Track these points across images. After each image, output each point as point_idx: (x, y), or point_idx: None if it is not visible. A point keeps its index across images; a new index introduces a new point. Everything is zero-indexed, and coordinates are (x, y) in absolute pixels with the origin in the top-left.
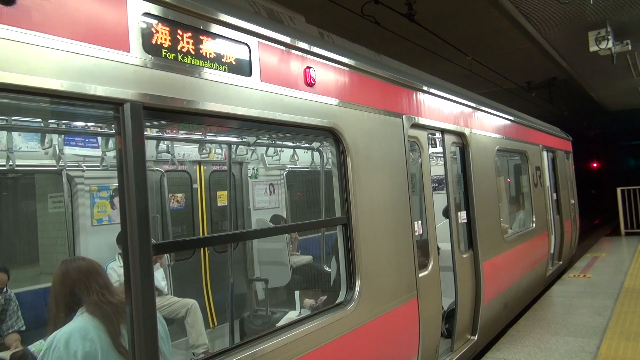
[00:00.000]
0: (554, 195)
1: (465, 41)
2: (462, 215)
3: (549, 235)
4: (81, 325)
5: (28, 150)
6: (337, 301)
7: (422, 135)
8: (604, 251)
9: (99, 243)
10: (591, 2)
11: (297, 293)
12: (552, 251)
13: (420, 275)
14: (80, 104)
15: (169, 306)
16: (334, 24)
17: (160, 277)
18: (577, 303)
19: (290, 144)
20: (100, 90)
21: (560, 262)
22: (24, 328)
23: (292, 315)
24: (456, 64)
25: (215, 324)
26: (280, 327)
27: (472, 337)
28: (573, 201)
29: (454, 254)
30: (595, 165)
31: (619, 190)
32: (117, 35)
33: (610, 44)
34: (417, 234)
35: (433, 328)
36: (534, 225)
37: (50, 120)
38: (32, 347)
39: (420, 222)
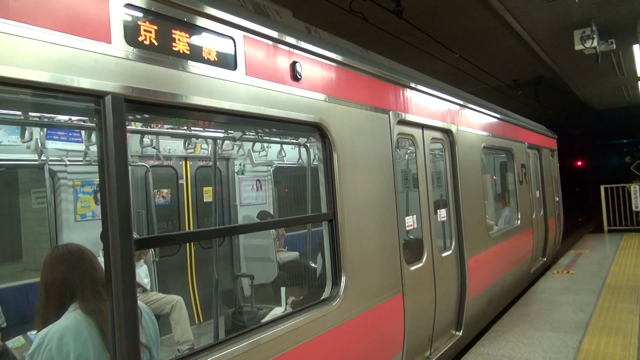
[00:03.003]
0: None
1: (453, 39)
2: (442, 214)
3: (533, 232)
4: (74, 324)
5: (9, 144)
6: (323, 297)
7: (416, 133)
8: (587, 248)
9: (83, 239)
10: (576, 0)
11: (283, 289)
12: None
13: (410, 269)
14: (60, 96)
15: (153, 302)
16: (321, 20)
17: (143, 274)
18: (561, 299)
19: (277, 139)
20: (80, 82)
21: (545, 259)
22: (4, 325)
23: (277, 311)
24: (444, 61)
25: (201, 320)
26: (266, 322)
27: (457, 333)
28: (557, 198)
29: (433, 253)
30: (579, 163)
31: (602, 188)
32: (98, 26)
33: (595, 43)
34: (410, 228)
35: (421, 323)
36: (519, 222)
37: (31, 113)
38: (10, 343)
39: (414, 217)
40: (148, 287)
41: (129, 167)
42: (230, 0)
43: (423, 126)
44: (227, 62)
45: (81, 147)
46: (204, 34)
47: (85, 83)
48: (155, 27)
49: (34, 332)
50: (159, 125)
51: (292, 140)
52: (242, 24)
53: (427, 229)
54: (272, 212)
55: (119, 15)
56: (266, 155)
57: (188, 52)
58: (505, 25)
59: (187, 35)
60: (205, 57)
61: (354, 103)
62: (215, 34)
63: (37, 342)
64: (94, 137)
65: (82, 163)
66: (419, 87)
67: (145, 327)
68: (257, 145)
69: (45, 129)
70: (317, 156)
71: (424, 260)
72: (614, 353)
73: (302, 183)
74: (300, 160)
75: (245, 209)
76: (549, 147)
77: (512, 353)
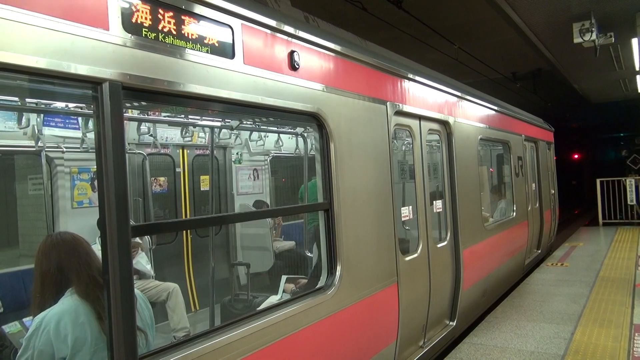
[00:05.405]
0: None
1: (452, 30)
2: (438, 205)
3: (528, 224)
4: (72, 308)
5: (6, 130)
6: (318, 286)
7: (413, 124)
8: (581, 241)
9: (80, 226)
10: None
11: (279, 278)
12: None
13: (405, 259)
14: (57, 83)
15: (150, 290)
16: (320, 8)
17: (144, 261)
18: (554, 291)
19: (275, 129)
20: (77, 69)
21: (539, 251)
22: (1, 310)
23: (273, 299)
24: (443, 52)
25: (197, 307)
26: (261, 310)
27: (451, 323)
28: (553, 191)
29: (428, 244)
30: (576, 156)
31: (598, 181)
32: (96, 12)
33: (594, 36)
34: (406, 219)
35: (415, 313)
36: (515, 214)
37: (28, 99)
38: (7, 329)
39: (410, 207)
40: (152, 273)
41: (126, 155)
42: None
43: (420, 117)
44: (225, 50)
45: (78, 134)
46: (202, 22)
47: (82, 70)
48: (154, 14)
49: (29, 318)
50: (157, 113)
51: (289, 130)
52: (240, 12)
53: (423, 220)
54: (268, 201)
55: (117, 2)
56: (263, 145)
57: (186, 40)
58: (504, 17)
59: (186, 23)
60: (204, 45)
61: (351, 93)
62: (214, 22)
63: (34, 326)
64: (91, 124)
65: (79, 150)
66: (417, 78)
67: (141, 312)
68: (255, 135)
69: (42, 116)
70: (314, 146)
71: (419, 251)
72: (605, 344)
73: (299, 173)
74: (297, 150)
75: (242, 198)
76: (545, 139)
77: (505, 343)
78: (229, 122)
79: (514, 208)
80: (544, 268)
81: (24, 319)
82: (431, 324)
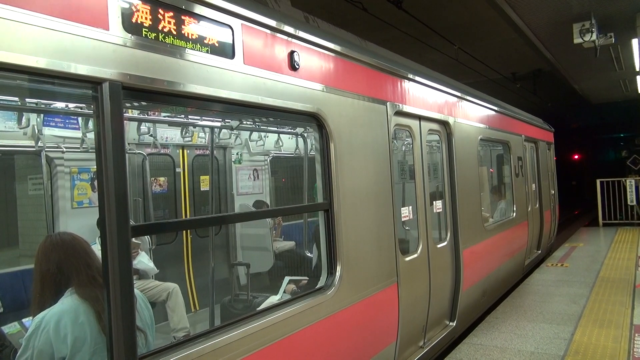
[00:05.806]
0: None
1: (452, 30)
2: (438, 205)
3: (528, 224)
4: (72, 308)
5: (6, 130)
6: (318, 286)
7: (413, 124)
8: (582, 241)
9: (80, 226)
10: None
11: (279, 278)
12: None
13: (405, 259)
14: (57, 83)
15: (150, 290)
16: (320, 8)
17: (146, 260)
18: (554, 291)
19: (275, 129)
20: (77, 69)
21: (539, 251)
22: (1, 310)
23: (273, 299)
24: (443, 52)
25: (197, 308)
26: (261, 310)
27: (451, 323)
28: (553, 192)
29: (428, 244)
30: (576, 157)
31: (598, 181)
32: (96, 12)
33: (594, 37)
34: (406, 219)
35: (415, 313)
36: (514, 214)
37: (28, 99)
38: (6, 329)
39: (410, 208)
40: (156, 270)
41: (126, 155)
42: None
43: (420, 117)
44: (225, 50)
45: (78, 134)
46: (202, 22)
47: (82, 69)
48: (154, 15)
49: (28, 319)
50: (157, 113)
51: (289, 130)
52: (240, 12)
53: (423, 220)
54: (268, 201)
55: (117, 2)
56: (263, 145)
57: (186, 40)
58: (504, 17)
59: (186, 23)
60: (204, 45)
61: (351, 93)
62: (214, 22)
63: (34, 326)
64: (91, 124)
65: (79, 150)
66: (417, 78)
67: (141, 312)
68: (255, 135)
69: (42, 116)
70: (314, 146)
71: (419, 251)
72: (605, 345)
73: (299, 173)
74: (297, 150)
75: (242, 198)
76: (545, 140)
77: (505, 344)
78: (228, 122)
79: (514, 208)
80: (544, 268)
81: (24, 320)
82: (431, 325)
